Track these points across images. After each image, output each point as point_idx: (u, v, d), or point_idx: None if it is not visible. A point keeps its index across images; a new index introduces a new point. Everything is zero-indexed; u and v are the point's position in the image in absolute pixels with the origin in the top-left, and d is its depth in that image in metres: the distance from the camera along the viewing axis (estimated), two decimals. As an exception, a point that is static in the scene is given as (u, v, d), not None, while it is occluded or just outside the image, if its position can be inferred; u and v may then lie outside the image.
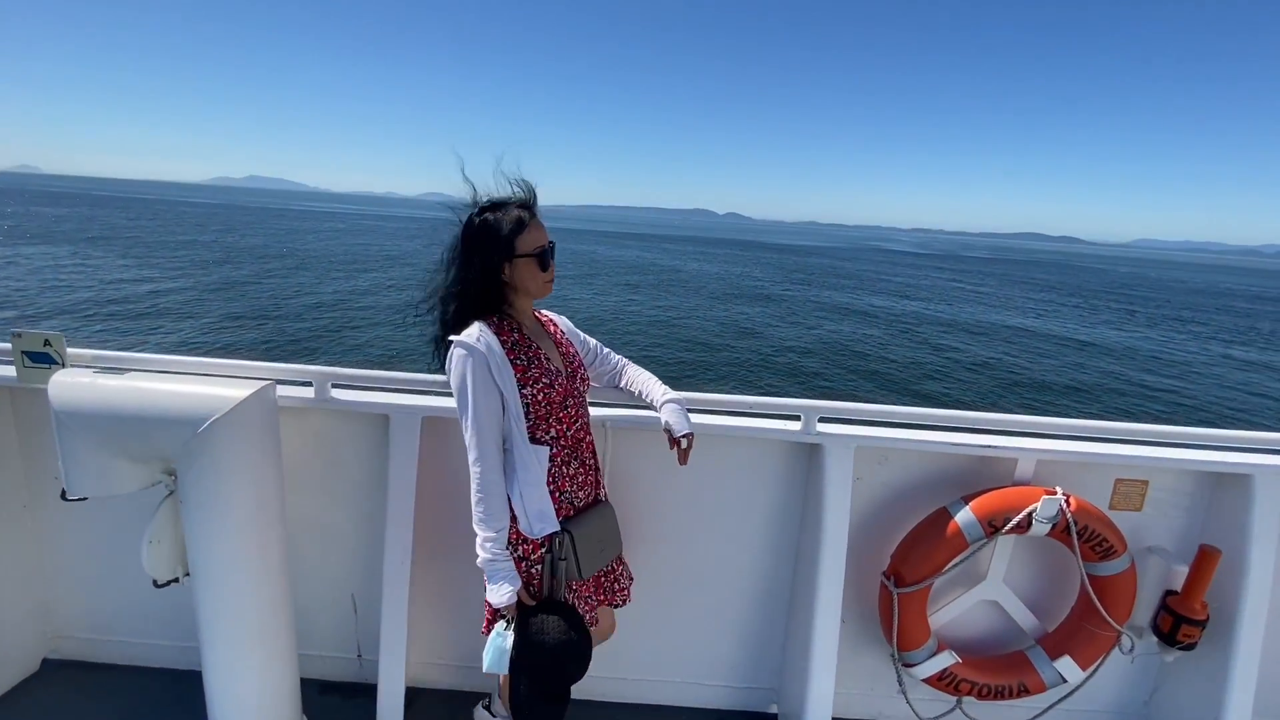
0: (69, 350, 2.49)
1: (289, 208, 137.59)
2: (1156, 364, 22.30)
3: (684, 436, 2.33)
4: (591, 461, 2.32)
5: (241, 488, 2.31)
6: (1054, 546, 2.86)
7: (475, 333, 2.07)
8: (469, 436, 2.06)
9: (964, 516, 2.61)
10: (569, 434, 2.21)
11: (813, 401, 2.68)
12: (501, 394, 2.08)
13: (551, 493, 2.18)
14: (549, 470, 2.17)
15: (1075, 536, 2.58)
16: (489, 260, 2.10)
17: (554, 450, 2.18)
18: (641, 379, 2.50)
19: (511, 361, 2.10)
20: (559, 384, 2.17)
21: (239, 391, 2.31)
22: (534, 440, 2.14)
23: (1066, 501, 2.58)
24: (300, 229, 64.47)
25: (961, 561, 2.63)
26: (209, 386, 2.33)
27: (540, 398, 2.13)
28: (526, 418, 2.13)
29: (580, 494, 2.26)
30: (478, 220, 2.12)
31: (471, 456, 2.07)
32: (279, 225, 68.68)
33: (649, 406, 2.46)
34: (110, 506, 2.85)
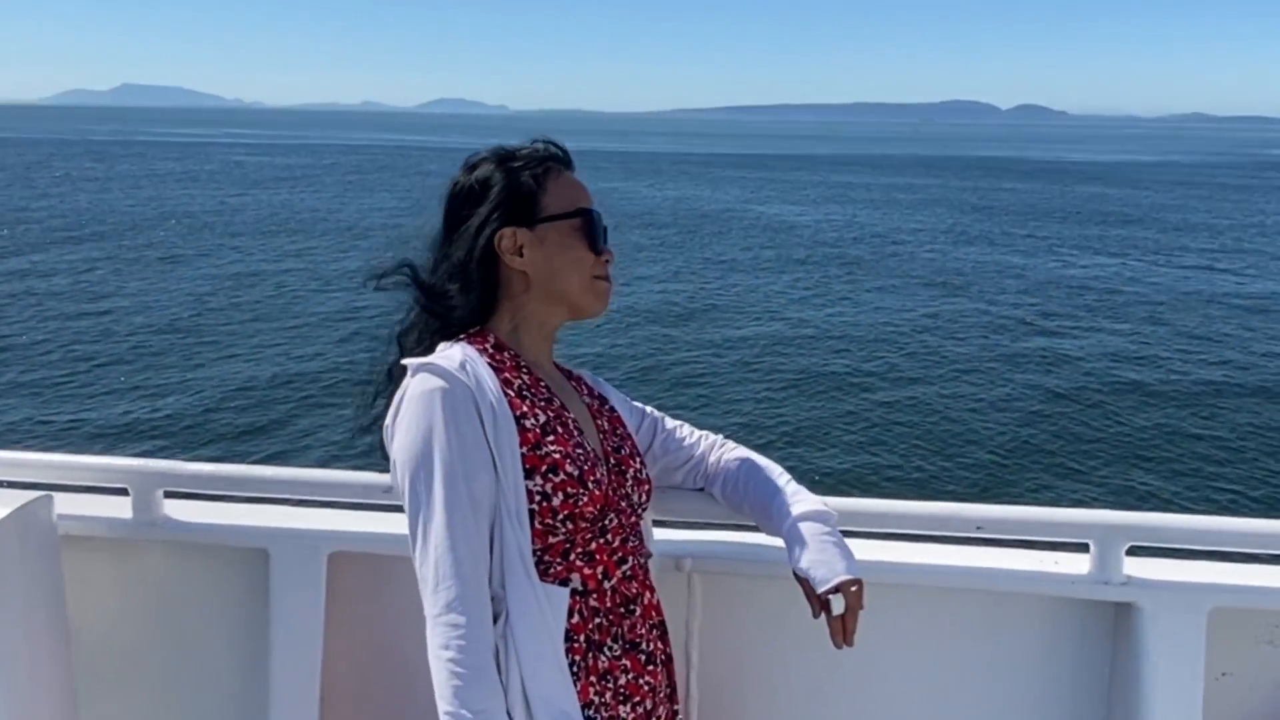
0: None
1: (174, 135, 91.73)
2: None
3: (837, 590, 1.28)
4: (656, 645, 1.31)
5: None
6: None
7: (457, 356, 1.20)
8: (428, 546, 1.15)
9: None
10: (609, 586, 1.25)
11: (1113, 514, 1.58)
12: (495, 467, 1.17)
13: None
14: (569, 655, 1.19)
15: None
16: (484, 226, 1.27)
17: (578, 617, 1.21)
18: (754, 476, 1.44)
19: (517, 421, 1.19)
20: (597, 480, 1.23)
21: None
22: (544, 575, 1.21)
23: None
24: (184, 172, 44.33)
25: None
26: None
27: (558, 501, 1.19)
28: (531, 528, 1.20)
29: (631, 716, 1.25)
30: (473, 170, 1.33)
31: (431, 579, 1.15)
32: (143, 168, 45.66)
33: (770, 529, 1.40)
34: None
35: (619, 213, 29.70)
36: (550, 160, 1.34)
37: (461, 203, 1.31)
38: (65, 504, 1.74)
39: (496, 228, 1.26)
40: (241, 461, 1.96)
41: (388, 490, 1.26)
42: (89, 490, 1.81)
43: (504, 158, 1.32)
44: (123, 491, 1.77)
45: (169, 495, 1.79)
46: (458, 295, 1.27)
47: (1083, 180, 51.42)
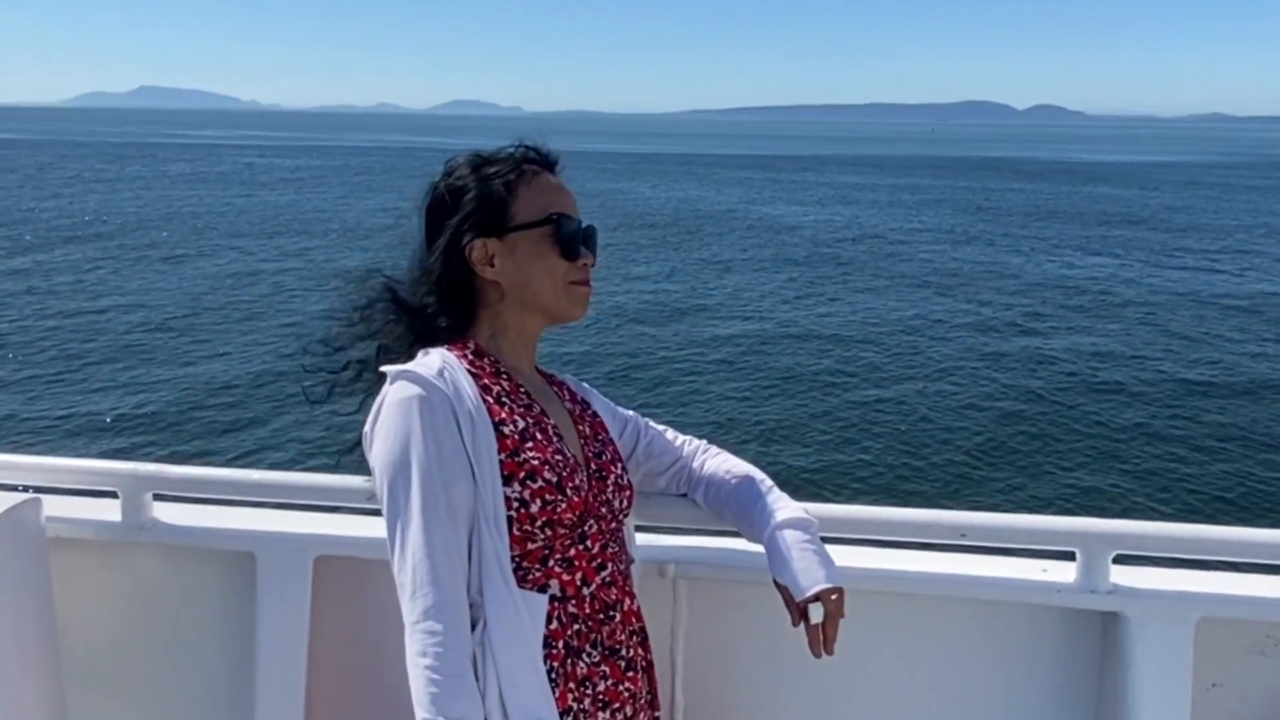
0: None
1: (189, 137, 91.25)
2: None
3: (816, 598, 1.26)
4: (636, 651, 1.30)
5: None
6: None
7: (436, 364, 1.18)
8: (406, 552, 1.14)
9: None
10: (588, 592, 1.23)
11: (1100, 522, 1.50)
12: (474, 473, 1.16)
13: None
14: (547, 662, 1.18)
15: None
16: (456, 238, 1.25)
17: (557, 624, 1.20)
18: (737, 482, 1.41)
19: (496, 427, 1.17)
20: (576, 486, 1.21)
21: None
22: (522, 582, 1.19)
23: None
24: (203, 174, 44.38)
25: None
26: None
27: (536, 508, 1.17)
28: (509, 535, 1.18)
29: None
30: (448, 178, 1.30)
31: (409, 585, 1.14)
32: (167, 169, 45.99)
33: (751, 536, 1.37)
34: None
35: (622, 213, 29.69)
36: (526, 164, 1.28)
37: (437, 213, 1.28)
38: (54, 507, 1.73)
39: (468, 240, 1.24)
40: (232, 458, 1.54)
41: (373, 495, 1.25)
42: (77, 493, 1.79)
43: (477, 165, 1.28)
44: (112, 494, 1.74)
45: (158, 498, 1.77)
46: (436, 308, 1.26)
47: (1092, 181, 50.73)
